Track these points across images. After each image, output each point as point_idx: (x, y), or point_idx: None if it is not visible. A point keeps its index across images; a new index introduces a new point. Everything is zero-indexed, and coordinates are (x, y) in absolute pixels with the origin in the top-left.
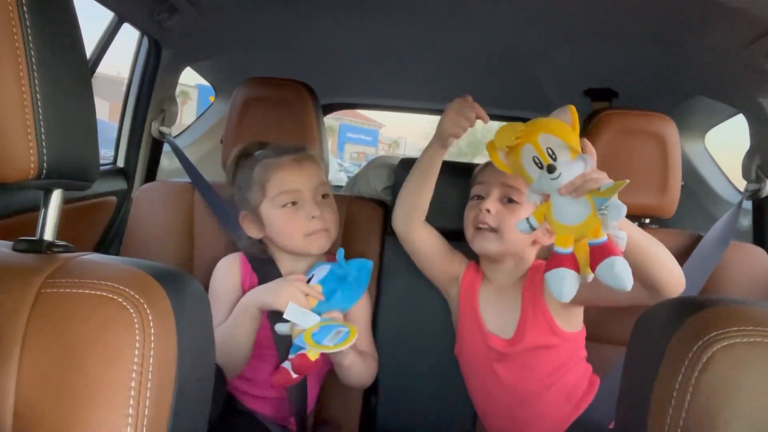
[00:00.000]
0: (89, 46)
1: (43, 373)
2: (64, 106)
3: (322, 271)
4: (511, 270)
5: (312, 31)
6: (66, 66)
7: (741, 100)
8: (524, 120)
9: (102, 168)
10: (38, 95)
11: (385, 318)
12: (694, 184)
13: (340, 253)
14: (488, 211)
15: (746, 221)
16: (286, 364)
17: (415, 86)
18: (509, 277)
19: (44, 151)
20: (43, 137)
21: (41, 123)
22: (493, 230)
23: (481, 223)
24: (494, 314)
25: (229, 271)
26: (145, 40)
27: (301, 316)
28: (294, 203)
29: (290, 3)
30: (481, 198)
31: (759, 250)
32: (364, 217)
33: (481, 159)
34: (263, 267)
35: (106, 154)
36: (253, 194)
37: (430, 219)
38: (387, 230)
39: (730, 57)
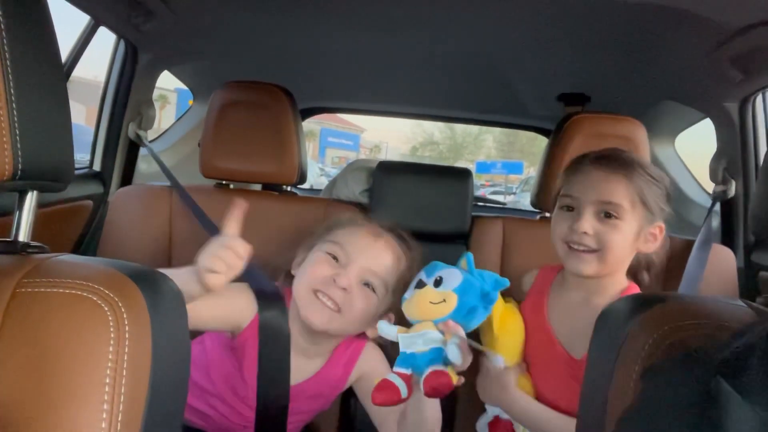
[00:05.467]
0: (65, 50)
1: (19, 371)
2: (40, 108)
3: (454, 277)
4: (603, 289)
5: (291, 35)
6: (41, 69)
7: (707, 104)
8: (501, 124)
9: (78, 172)
10: (13, 97)
11: None
12: None
13: (470, 257)
14: (585, 233)
15: (714, 222)
16: (393, 377)
17: (395, 91)
18: (595, 295)
19: (19, 152)
20: (18, 139)
21: (16, 125)
22: (593, 251)
23: (576, 244)
24: (566, 326)
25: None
26: (122, 43)
27: (420, 340)
28: (335, 258)
29: (269, 7)
30: (570, 209)
31: (727, 251)
32: None
33: (462, 163)
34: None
35: (82, 158)
36: (321, 236)
37: (425, 224)
38: None
39: (695, 63)
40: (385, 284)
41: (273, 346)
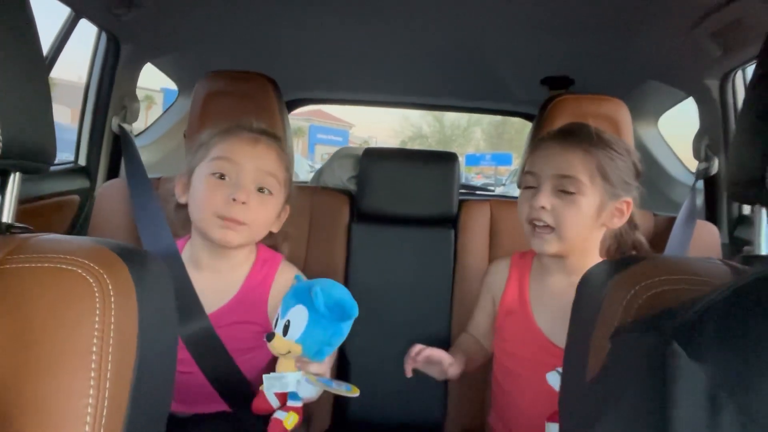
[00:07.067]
0: (47, 42)
1: (6, 343)
2: (19, 89)
3: (300, 320)
4: (574, 266)
5: (275, 26)
6: (21, 55)
7: (689, 83)
8: (488, 111)
9: (63, 166)
10: None
11: None
12: (649, 165)
13: (317, 292)
14: (543, 207)
15: (698, 199)
16: (270, 396)
17: (380, 80)
18: (569, 274)
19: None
20: None
21: None
22: (550, 228)
23: (536, 220)
24: (548, 312)
25: None
26: (104, 36)
27: (278, 383)
28: (222, 176)
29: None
30: (532, 188)
31: (711, 226)
32: (330, 207)
33: None
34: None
35: (68, 158)
36: (197, 154)
37: (413, 209)
38: (353, 219)
39: (675, 41)
40: (277, 180)
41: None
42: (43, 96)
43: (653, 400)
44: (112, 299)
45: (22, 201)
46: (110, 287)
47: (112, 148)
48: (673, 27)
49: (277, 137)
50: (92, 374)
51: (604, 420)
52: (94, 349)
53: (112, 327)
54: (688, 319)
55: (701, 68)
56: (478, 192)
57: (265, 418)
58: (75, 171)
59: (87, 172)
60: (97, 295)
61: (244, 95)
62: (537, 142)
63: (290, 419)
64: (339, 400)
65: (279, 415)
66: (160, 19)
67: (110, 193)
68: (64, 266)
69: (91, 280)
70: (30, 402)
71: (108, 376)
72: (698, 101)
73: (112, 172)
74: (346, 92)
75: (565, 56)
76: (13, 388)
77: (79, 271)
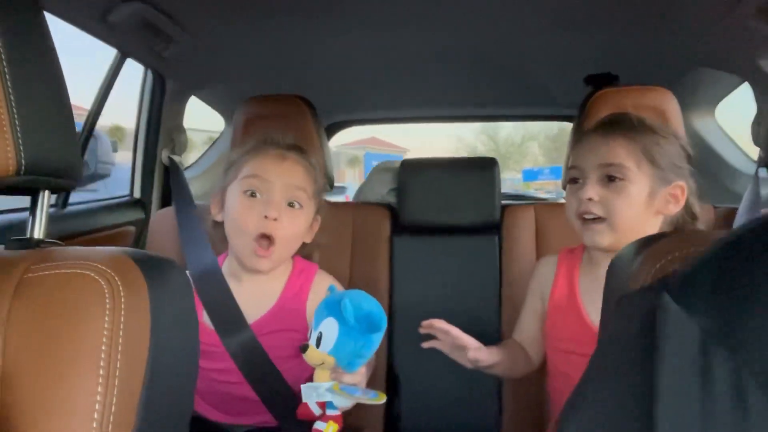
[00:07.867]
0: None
1: (25, 344)
2: (39, 106)
3: (331, 333)
4: None
5: (313, 51)
6: (39, 69)
7: (740, 65)
8: (533, 117)
9: (119, 200)
10: (11, 96)
11: (401, 319)
12: (707, 157)
13: (346, 306)
14: (590, 199)
15: (765, 189)
16: (312, 405)
17: (421, 94)
18: None
19: (21, 148)
20: (19, 135)
21: (16, 121)
22: (601, 219)
23: (585, 213)
24: (599, 303)
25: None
26: (149, 73)
27: (314, 393)
28: (254, 194)
29: (285, 23)
30: (577, 183)
31: None
32: (371, 222)
33: (508, 173)
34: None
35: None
36: (229, 173)
37: (454, 217)
38: (395, 231)
39: (720, 23)
40: (306, 193)
41: (210, 288)
42: (66, 115)
43: (644, 355)
44: (123, 299)
45: (80, 234)
46: (120, 288)
47: (164, 180)
48: (714, 8)
49: (303, 150)
50: (101, 372)
51: (599, 376)
52: (103, 348)
53: (121, 327)
54: (683, 272)
55: (752, 49)
56: (527, 203)
57: (308, 428)
58: (130, 203)
59: (141, 203)
60: (107, 295)
61: (282, 118)
62: (578, 136)
63: (330, 429)
64: (391, 413)
65: (319, 425)
66: (199, 53)
67: (162, 221)
68: (78, 270)
69: (102, 282)
70: (44, 398)
71: (117, 374)
72: (753, 84)
73: (165, 202)
74: (387, 110)
75: (607, 52)
76: (29, 387)
77: (91, 274)
